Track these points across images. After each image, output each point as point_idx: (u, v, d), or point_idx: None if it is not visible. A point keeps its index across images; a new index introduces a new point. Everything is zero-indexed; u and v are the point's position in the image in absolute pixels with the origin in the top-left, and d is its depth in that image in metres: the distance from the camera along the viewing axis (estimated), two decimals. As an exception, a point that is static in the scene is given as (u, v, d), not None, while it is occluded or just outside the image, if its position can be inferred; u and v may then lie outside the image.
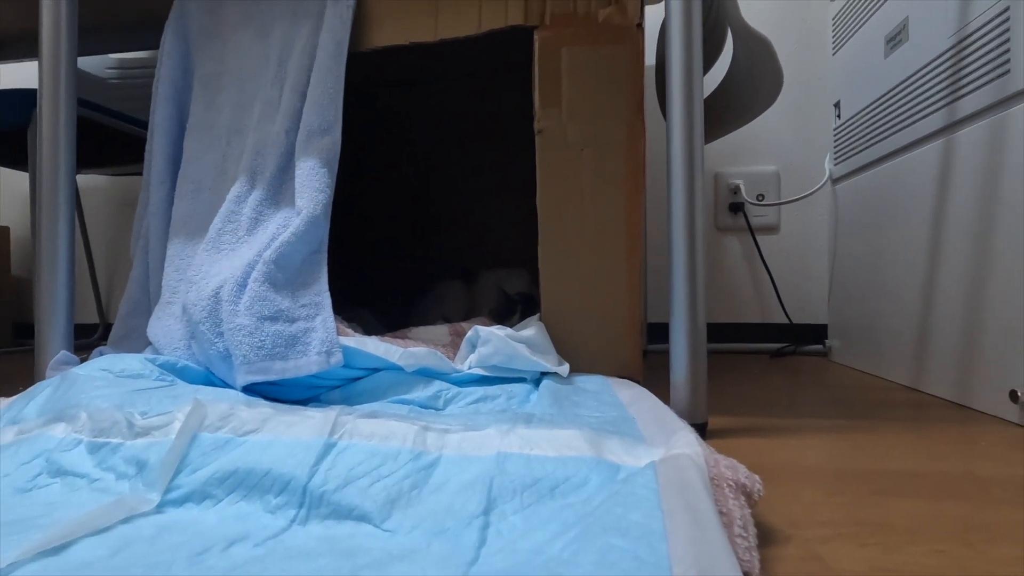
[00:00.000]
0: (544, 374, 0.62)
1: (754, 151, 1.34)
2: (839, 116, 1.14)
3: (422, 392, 0.57)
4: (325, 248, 0.66)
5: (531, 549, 0.29)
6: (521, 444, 0.39)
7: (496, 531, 0.32)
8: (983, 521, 0.39)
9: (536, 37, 0.71)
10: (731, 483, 0.35)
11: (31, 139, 0.96)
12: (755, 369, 1.08)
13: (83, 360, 0.65)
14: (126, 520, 0.33)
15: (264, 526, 0.34)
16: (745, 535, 0.31)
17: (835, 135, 1.17)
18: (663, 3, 0.63)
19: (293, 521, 0.34)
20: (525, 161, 0.74)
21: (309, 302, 0.62)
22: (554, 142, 0.70)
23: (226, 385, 0.59)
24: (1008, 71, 0.66)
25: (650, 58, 1.26)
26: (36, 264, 0.71)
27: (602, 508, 0.32)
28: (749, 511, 0.33)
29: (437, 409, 0.56)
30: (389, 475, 0.36)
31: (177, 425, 0.42)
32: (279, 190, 0.69)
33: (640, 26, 0.69)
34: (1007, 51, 0.66)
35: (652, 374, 0.73)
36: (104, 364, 0.57)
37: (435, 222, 1.28)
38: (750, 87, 0.94)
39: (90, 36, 0.98)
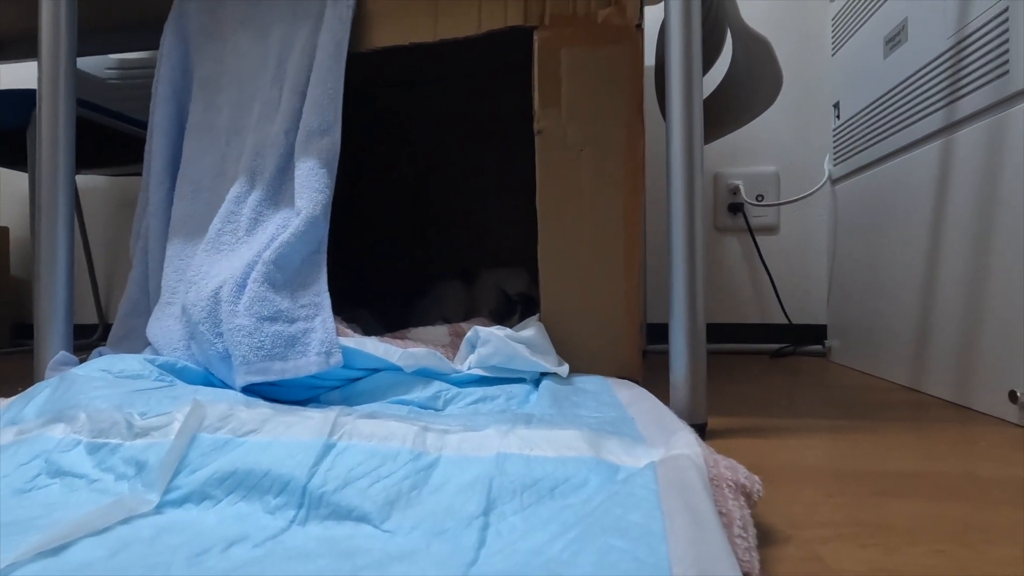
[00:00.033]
0: (544, 374, 0.62)
1: (753, 152, 1.34)
2: (838, 117, 1.15)
3: (421, 393, 0.57)
4: (324, 248, 0.66)
5: (530, 550, 0.29)
6: (521, 445, 0.39)
7: (496, 532, 0.32)
8: (982, 522, 0.39)
9: (536, 38, 0.71)
10: (731, 483, 0.35)
11: (30, 139, 0.96)
12: (754, 369, 1.08)
13: (82, 360, 0.65)
14: (125, 521, 0.33)
15: (263, 527, 0.34)
16: (745, 535, 0.31)
17: (834, 136, 1.17)
18: (662, 4, 0.63)
19: (292, 522, 0.34)
20: (524, 161, 0.74)
21: (308, 302, 0.62)
22: (553, 142, 0.70)
23: (225, 386, 0.59)
24: (1007, 72, 0.66)
25: (649, 59, 1.26)
26: (35, 264, 0.71)
27: (601, 509, 0.32)
28: (749, 511, 0.33)
29: (437, 410, 0.56)
30: (389, 476, 0.36)
31: (176, 426, 0.42)
32: (278, 190, 0.69)
33: (639, 27, 0.69)
34: (1006, 52, 0.66)
35: (652, 374, 0.73)
36: (103, 364, 0.57)
37: (434, 222, 1.28)
38: (749, 88, 0.94)
39: (89, 36, 0.97)
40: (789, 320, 1.31)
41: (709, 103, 0.94)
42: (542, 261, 0.70)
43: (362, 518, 0.34)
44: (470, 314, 0.98)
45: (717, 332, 1.32)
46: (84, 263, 1.49)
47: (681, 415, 0.53)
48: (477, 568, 0.29)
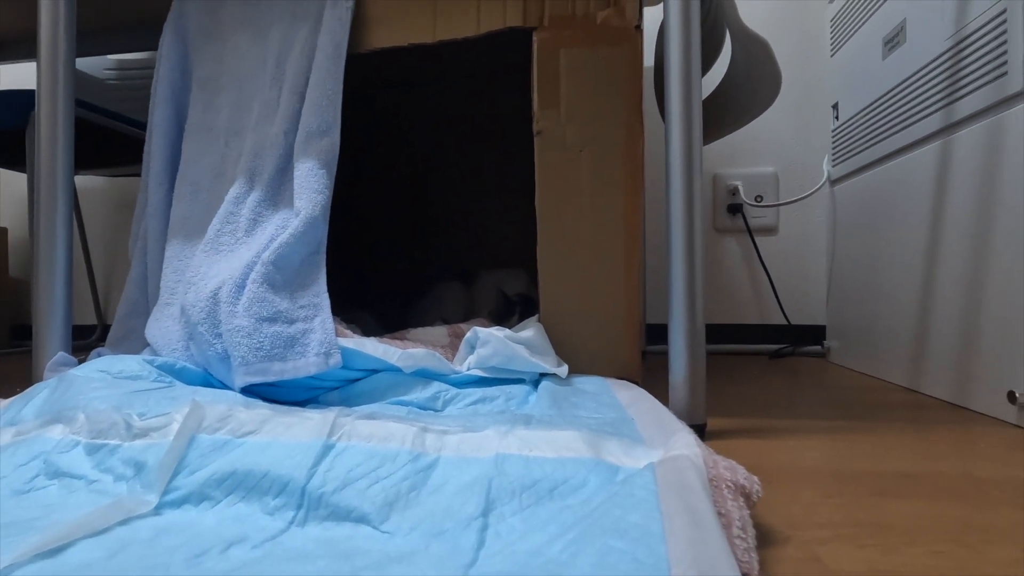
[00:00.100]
0: (543, 375, 0.62)
1: (753, 152, 1.34)
2: (837, 118, 1.15)
3: (421, 393, 0.57)
4: (324, 249, 0.66)
5: (530, 551, 0.29)
6: (520, 445, 0.39)
7: (495, 533, 0.32)
8: (981, 522, 0.39)
9: (535, 39, 0.71)
10: (730, 484, 0.35)
11: (29, 140, 0.96)
12: (754, 370, 1.08)
13: (81, 361, 0.65)
14: (124, 522, 0.33)
15: (262, 528, 0.34)
16: (744, 536, 0.31)
17: (833, 136, 1.17)
18: (662, 5, 0.63)
19: (291, 523, 0.34)
20: (524, 162, 0.74)
21: (308, 303, 0.62)
22: (553, 143, 0.70)
23: (224, 386, 0.59)
24: (1005, 73, 0.66)
25: (649, 59, 1.27)
26: (34, 265, 0.71)
27: (601, 509, 0.32)
28: (748, 512, 0.33)
29: (436, 410, 0.56)
30: (388, 476, 0.36)
31: (175, 426, 0.42)
32: (277, 191, 0.69)
33: (639, 28, 0.69)
34: (1004, 53, 0.66)
35: (651, 375, 0.73)
36: (102, 365, 0.57)
37: (434, 223, 1.28)
38: (748, 89, 0.94)
39: (88, 37, 0.97)
40: (788, 321, 1.31)
41: (708, 104, 0.94)
42: (541, 262, 0.70)
43: (361, 519, 0.34)
44: (469, 315, 0.98)
45: (716, 333, 1.32)
46: (83, 264, 1.49)
47: (680, 416, 0.53)
48: (476, 569, 0.29)
